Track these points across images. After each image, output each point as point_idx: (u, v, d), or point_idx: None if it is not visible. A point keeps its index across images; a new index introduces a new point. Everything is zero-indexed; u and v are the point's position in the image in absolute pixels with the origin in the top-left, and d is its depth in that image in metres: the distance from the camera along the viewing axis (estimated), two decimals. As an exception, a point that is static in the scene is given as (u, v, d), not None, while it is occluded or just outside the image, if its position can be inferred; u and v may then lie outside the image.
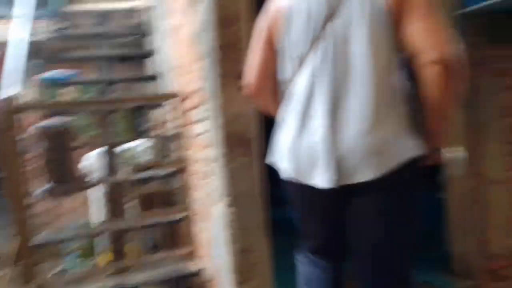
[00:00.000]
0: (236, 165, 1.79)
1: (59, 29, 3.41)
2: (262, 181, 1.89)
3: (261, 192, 1.88)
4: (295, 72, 1.19)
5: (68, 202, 3.57)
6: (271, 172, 1.44)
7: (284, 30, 1.21)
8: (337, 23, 1.11)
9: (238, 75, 1.82)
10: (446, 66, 1.05)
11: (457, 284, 2.27)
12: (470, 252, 2.31)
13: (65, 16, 3.51)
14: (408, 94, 1.15)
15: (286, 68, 1.24)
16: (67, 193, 2.29)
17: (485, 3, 2.06)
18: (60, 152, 2.29)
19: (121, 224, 2.50)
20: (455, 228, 2.37)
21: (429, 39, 1.06)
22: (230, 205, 1.78)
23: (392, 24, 1.09)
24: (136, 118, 5.44)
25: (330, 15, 1.11)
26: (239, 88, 1.82)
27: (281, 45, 1.24)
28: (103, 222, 2.99)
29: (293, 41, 1.18)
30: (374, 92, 1.10)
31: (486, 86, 2.28)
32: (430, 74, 1.07)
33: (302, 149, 1.17)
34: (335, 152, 1.11)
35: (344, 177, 1.13)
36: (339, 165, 1.11)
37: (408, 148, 1.14)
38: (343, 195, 1.17)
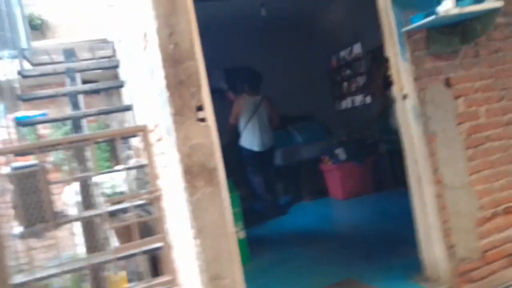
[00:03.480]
0: (199, 197, 1.83)
1: (27, 68, 3.43)
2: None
3: (228, 220, 1.92)
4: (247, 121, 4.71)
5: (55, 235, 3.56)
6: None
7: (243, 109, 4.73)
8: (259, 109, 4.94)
9: (197, 108, 1.88)
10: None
11: (431, 289, 2.33)
12: (439, 257, 2.37)
13: (31, 54, 3.53)
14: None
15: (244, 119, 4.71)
16: (39, 234, 2.30)
17: (424, 20, 2.16)
18: (32, 193, 2.30)
19: (99, 258, 2.51)
20: (424, 235, 2.44)
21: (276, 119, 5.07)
22: (195, 237, 1.82)
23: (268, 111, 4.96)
24: (114, 148, 5.47)
25: (257, 107, 4.78)
26: (199, 120, 1.88)
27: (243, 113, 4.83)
28: (82, 256, 3.01)
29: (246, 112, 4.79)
30: (268, 125, 4.93)
31: (435, 96, 2.37)
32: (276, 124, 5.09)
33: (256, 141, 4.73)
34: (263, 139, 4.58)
35: (264, 147, 4.50)
36: (263, 144, 4.63)
37: (273, 140, 4.93)
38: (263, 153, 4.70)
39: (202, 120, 1.88)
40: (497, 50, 2.60)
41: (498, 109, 2.56)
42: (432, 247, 2.40)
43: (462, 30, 2.43)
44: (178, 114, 1.81)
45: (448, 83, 2.43)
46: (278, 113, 5.28)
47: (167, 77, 1.78)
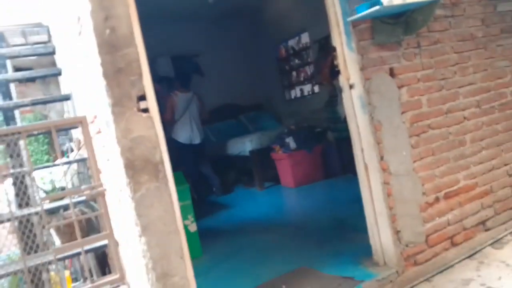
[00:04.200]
0: (143, 192, 1.73)
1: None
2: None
3: (176, 215, 1.84)
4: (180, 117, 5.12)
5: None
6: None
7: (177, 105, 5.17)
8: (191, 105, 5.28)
9: (137, 98, 1.77)
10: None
11: (378, 274, 2.39)
12: (386, 242, 2.44)
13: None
14: None
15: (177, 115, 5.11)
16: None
17: (369, 11, 2.17)
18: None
19: (36, 259, 2.33)
20: (372, 221, 2.50)
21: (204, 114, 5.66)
22: (141, 235, 1.72)
23: (199, 107, 5.47)
24: (53, 140, 5.14)
25: (188, 103, 5.21)
26: (140, 111, 1.77)
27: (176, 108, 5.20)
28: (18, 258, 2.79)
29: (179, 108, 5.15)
30: (199, 120, 5.36)
31: (380, 86, 2.41)
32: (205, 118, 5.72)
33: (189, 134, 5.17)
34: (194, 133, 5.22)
35: (198, 140, 5.18)
36: (196, 137, 5.28)
37: (203, 133, 5.47)
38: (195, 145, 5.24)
39: (144, 110, 1.77)
40: (436, 42, 2.69)
41: (439, 98, 2.66)
42: (379, 233, 2.47)
43: (404, 21, 2.49)
44: (117, 104, 1.69)
45: (392, 73, 2.48)
46: (206, 108, 5.78)
47: (103, 64, 1.65)
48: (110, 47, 1.66)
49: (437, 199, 2.58)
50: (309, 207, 4.51)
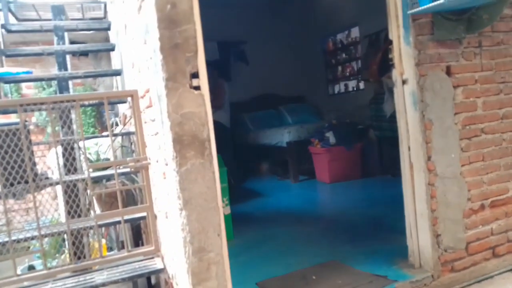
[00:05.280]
0: (188, 168, 1.77)
1: (14, 23, 3.26)
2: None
3: (217, 193, 1.87)
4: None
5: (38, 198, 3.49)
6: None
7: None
8: None
9: (190, 75, 1.79)
10: None
11: (413, 276, 2.33)
12: (425, 245, 2.38)
13: (17, 9, 3.35)
14: None
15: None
16: (19, 195, 2.21)
17: (432, 4, 2.09)
18: (13, 152, 2.20)
19: (79, 223, 2.45)
20: (412, 222, 2.43)
21: None
22: (182, 208, 1.76)
23: None
24: (102, 112, 5.34)
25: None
26: (193, 88, 1.80)
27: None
28: (62, 221, 2.94)
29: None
30: None
31: (435, 84, 2.32)
32: None
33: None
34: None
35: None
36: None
37: None
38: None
39: (196, 88, 1.79)
40: (500, 42, 2.56)
41: (495, 102, 2.54)
42: (418, 234, 2.40)
43: (468, 19, 2.37)
44: (171, 79, 1.72)
45: (448, 71, 2.38)
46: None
47: (161, 39, 1.68)
48: (170, 22, 1.69)
49: (482, 207, 2.47)
50: (343, 203, 4.45)
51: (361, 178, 5.43)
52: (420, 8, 2.21)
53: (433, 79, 2.32)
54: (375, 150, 5.41)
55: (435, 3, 2.10)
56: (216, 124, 2.01)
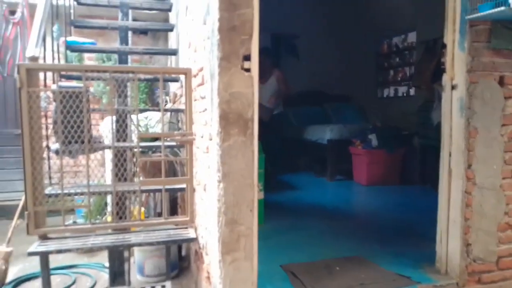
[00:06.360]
0: (230, 144, 1.88)
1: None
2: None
3: (254, 171, 1.97)
4: None
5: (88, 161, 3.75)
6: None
7: None
8: None
9: (243, 57, 1.90)
10: None
11: (437, 281, 2.33)
12: (453, 252, 2.36)
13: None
14: None
15: None
16: (74, 154, 2.42)
17: (493, 10, 2.06)
18: (73, 113, 2.41)
19: (123, 187, 2.64)
20: (443, 228, 2.42)
21: None
22: (220, 180, 1.88)
23: None
24: (154, 90, 5.60)
25: None
26: (244, 69, 1.90)
27: None
28: (109, 184, 3.17)
29: None
30: None
31: (485, 92, 2.29)
32: None
33: None
34: None
35: None
36: None
37: None
38: None
39: (247, 70, 1.90)
40: (561, 57, 2.47)
41: (547, 119, 2.46)
42: (448, 241, 2.39)
43: (529, 29, 2.31)
44: (225, 59, 1.84)
45: (501, 82, 2.33)
46: None
47: (220, 20, 1.79)
48: (230, 4, 1.80)
49: (520, 223, 2.42)
50: (377, 206, 4.43)
51: (399, 185, 5.36)
52: (479, 14, 2.19)
53: (484, 87, 2.29)
54: (417, 158, 5.31)
55: (496, 10, 2.07)
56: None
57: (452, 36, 2.33)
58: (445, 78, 2.38)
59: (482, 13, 2.16)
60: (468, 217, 2.31)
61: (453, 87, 2.34)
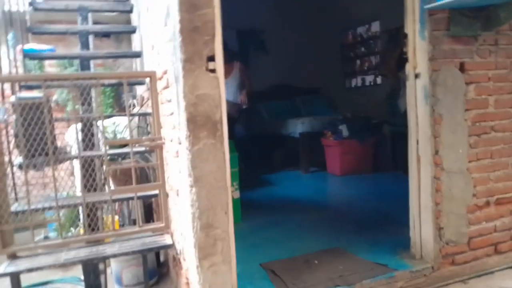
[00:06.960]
0: (200, 147, 1.85)
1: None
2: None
3: (226, 173, 1.95)
4: None
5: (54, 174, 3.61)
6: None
7: None
8: None
9: (207, 58, 1.87)
10: None
11: (413, 266, 2.39)
12: (427, 237, 2.42)
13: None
14: None
15: None
16: (39, 167, 2.33)
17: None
18: (35, 125, 2.31)
19: (94, 197, 2.56)
20: (415, 214, 2.48)
21: None
22: (192, 185, 1.85)
23: None
24: (120, 94, 5.46)
25: None
26: (209, 70, 1.87)
27: None
28: (78, 195, 3.07)
29: None
30: None
31: (447, 79, 2.35)
32: None
33: None
34: None
35: None
36: None
37: None
38: None
39: (212, 71, 1.87)
40: (517, 41, 2.56)
41: (508, 101, 2.55)
42: (421, 226, 2.45)
43: (485, 16, 2.38)
44: (189, 61, 1.80)
45: (462, 68, 2.40)
46: None
47: (182, 21, 1.75)
48: (190, 6, 1.76)
49: (487, 203, 2.50)
50: (352, 196, 4.50)
51: (372, 173, 5.46)
52: (437, 3, 2.24)
53: (446, 74, 2.35)
54: (388, 146, 5.41)
55: (452, -2, 2.11)
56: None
57: (413, 25, 2.37)
58: (408, 67, 2.42)
59: (440, 2, 2.20)
60: (438, 201, 2.38)
61: (417, 76, 2.38)
